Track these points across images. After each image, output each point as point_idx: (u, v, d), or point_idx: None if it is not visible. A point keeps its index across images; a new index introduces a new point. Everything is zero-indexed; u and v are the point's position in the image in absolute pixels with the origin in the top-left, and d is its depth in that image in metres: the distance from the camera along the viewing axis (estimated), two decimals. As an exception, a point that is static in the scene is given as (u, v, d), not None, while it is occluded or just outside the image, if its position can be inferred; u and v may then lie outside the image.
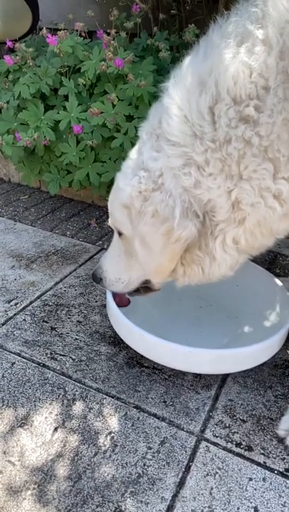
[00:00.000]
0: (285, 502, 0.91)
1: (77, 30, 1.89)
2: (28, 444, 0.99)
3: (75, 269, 1.64)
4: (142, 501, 0.90)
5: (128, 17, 2.03)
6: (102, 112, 1.67)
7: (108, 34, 1.80)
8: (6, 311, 1.40)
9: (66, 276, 1.59)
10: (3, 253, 1.72)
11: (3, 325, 1.34)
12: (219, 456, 0.99)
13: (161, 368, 1.20)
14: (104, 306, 1.44)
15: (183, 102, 0.85)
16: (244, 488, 0.93)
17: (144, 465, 0.97)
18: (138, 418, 1.07)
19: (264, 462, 0.99)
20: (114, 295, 1.21)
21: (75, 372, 1.18)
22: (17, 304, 1.44)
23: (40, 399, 1.10)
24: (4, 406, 1.08)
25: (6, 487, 0.91)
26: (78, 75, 1.82)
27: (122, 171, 1.01)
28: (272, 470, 0.97)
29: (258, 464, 0.98)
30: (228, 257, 0.93)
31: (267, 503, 0.90)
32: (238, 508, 0.89)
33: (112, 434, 1.02)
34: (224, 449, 1.01)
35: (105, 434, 1.02)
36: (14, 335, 1.30)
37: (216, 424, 1.06)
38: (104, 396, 1.12)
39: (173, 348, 1.08)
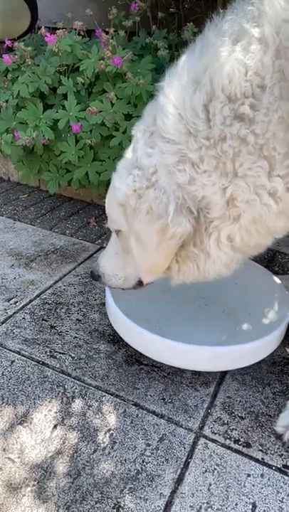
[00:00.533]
0: (282, 498, 0.91)
1: (75, 29, 1.89)
2: (28, 441, 1.00)
3: (74, 268, 1.64)
4: (140, 497, 0.90)
5: (127, 16, 2.03)
6: (100, 111, 1.67)
7: (107, 33, 1.80)
8: (5, 309, 1.41)
9: (65, 275, 1.60)
10: (3, 252, 1.72)
11: (2, 323, 1.35)
12: (217, 453, 1.00)
13: (160, 366, 1.21)
14: (104, 304, 1.45)
15: (178, 100, 0.85)
16: (242, 484, 0.94)
17: (143, 462, 0.97)
18: (137, 415, 1.07)
19: (262, 458, 0.99)
20: None
21: (75, 370, 1.19)
22: (16, 302, 1.45)
23: (39, 396, 1.11)
24: (4, 404, 1.08)
25: (5, 484, 0.91)
26: (77, 73, 1.82)
27: (117, 170, 1.01)
28: (270, 466, 0.98)
29: (256, 460, 0.99)
30: (222, 254, 0.93)
31: (265, 499, 0.91)
32: (236, 504, 0.90)
33: (111, 431, 1.03)
34: (222, 445, 1.02)
35: (104, 431, 1.03)
36: (14, 333, 1.31)
37: (215, 421, 1.07)
38: (104, 393, 1.12)
39: (171, 346, 1.09)
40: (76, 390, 1.13)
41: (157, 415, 1.08)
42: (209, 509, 0.89)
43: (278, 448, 1.02)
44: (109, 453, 0.99)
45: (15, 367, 1.19)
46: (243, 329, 1.32)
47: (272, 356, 1.24)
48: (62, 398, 1.10)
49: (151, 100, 0.98)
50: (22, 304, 1.44)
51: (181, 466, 0.97)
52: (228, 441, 1.03)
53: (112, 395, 1.12)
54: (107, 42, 1.72)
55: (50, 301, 1.46)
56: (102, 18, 2.15)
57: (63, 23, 2.08)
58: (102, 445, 1.00)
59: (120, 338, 1.24)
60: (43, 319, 1.38)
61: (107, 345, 1.28)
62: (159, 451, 0.99)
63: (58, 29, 1.85)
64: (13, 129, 1.85)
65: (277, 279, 1.35)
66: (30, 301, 1.46)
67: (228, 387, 1.16)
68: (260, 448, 1.02)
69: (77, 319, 1.38)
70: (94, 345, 1.28)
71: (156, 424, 1.05)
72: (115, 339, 1.30)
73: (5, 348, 1.25)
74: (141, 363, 1.22)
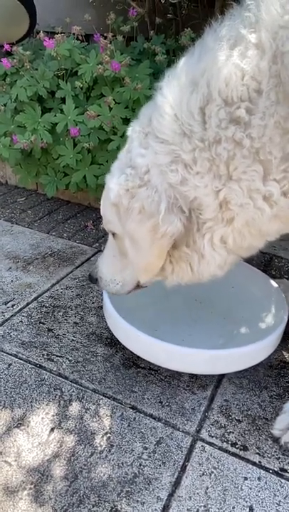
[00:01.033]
0: (279, 501, 0.91)
1: (74, 34, 1.90)
2: (25, 444, 1.00)
3: (71, 271, 1.65)
4: (137, 501, 0.90)
5: (125, 21, 2.05)
6: (98, 115, 1.68)
7: (105, 38, 1.82)
8: (2, 312, 1.41)
9: (63, 278, 1.60)
10: (0, 255, 1.72)
11: (0, 326, 1.35)
12: (215, 456, 1.00)
13: (158, 369, 1.21)
14: (101, 307, 1.45)
15: (175, 101, 0.86)
16: (239, 487, 0.94)
17: (140, 465, 0.97)
18: (134, 418, 1.07)
19: (259, 462, 0.99)
20: None
21: (72, 373, 1.19)
22: (14, 305, 1.44)
23: (36, 400, 1.10)
24: (1, 407, 1.08)
25: (2, 487, 0.91)
26: (75, 78, 1.84)
27: (110, 171, 1.02)
28: (267, 469, 0.98)
29: (253, 463, 0.99)
30: (216, 255, 0.94)
31: (262, 502, 0.91)
32: (233, 507, 0.90)
33: (109, 435, 1.03)
34: (220, 448, 1.02)
35: (102, 435, 1.03)
36: (11, 336, 1.31)
37: (212, 424, 1.07)
38: (101, 397, 1.12)
39: (169, 349, 1.09)
40: (73, 393, 1.13)
41: (154, 418, 1.08)
42: (206, 512, 0.89)
43: (275, 451, 1.02)
44: (106, 456, 0.98)
45: (12, 370, 1.19)
46: (240, 333, 1.33)
47: (269, 359, 1.24)
48: (59, 401, 1.10)
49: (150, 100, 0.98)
50: (19, 307, 1.43)
51: (179, 469, 0.97)
52: (225, 445, 1.03)
53: (109, 398, 1.12)
54: (105, 47, 1.73)
55: (47, 304, 1.46)
56: (100, 23, 2.16)
57: (62, 27, 2.09)
58: (99, 448, 1.00)
59: (117, 341, 1.24)
60: (40, 322, 1.37)
61: (105, 349, 1.28)
62: (156, 455, 0.99)
63: (57, 33, 1.86)
64: (11, 133, 1.85)
65: (274, 283, 1.36)
66: (28, 304, 1.45)
67: (225, 391, 1.17)
68: (257, 451, 1.02)
69: (74, 322, 1.38)
70: (91, 349, 1.28)
71: (154, 428, 1.05)
72: (112, 342, 1.30)
73: (2, 351, 1.25)
74: (138, 366, 1.22)
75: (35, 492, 0.91)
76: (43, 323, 1.37)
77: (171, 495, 0.92)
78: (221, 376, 1.20)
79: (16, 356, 1.23)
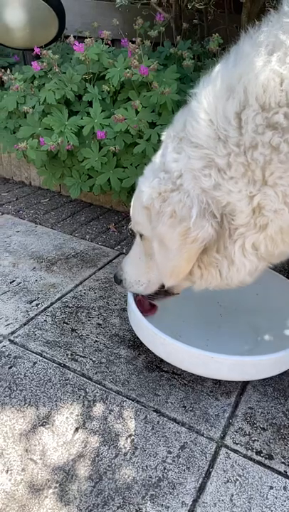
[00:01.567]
0: (306, 512, 0.90)
1: (102, 39, 1.92)
2: (50, 443, 1.01)
3: (94, 273, 1.66)
4: (162, 505, 0.90)
5: (151, 26, 2.06)
6: (125, 119, 1.70)
7: (133, 42, 1.83)
8: (27, 311, 1.42)
9: (86, 279, 1.61)
10: (25, 255, 1.74)
11: (24, 325, 1.36)
12: (239, 464, 0.99)
13: (181, 373, 1.21)
14: (124, 309, 1.45)
15: (210, 106, 0.86)
16: (265, 496, 0.93)
17: (165, 469, 0.97)
18: (158, 422, 1.07)
19: (285, 471, 0.98)
20: (138, 304, 1.21)
21: (95, 374, 1.19)
22: (38, 304, 1.46)
23: (61, 399, 1.11)
24: (26, 405, 1.09)
25: (28, 485, 0.92)
26: (102, 81, 1.85)
27: (144, 174, 1.03)
28: (293, 479, 0.96)
29: (279, 472, 0.98)
30: (247, 262, 0.93)
31: (288, 513, 0.90)
32: (258, 516, 0.89)
33: (132, 437, 1.03)
34: (244, 456, 1.01)
35: (125, 437, 1.03)
36: (35, 335, 1.32)
37: (236, 432, 1.06)
38: (124, 399, 1.12)
39: (194, 353, 1.08)
40: (97, 394, 1.13)
41: (178, 423, 1.07)
42: (232, 520, 0.88)
43: (301, 461, 1.00)
44: (130, 458, 0.98)
45: (37, 368, 1.20)
46: (265, 340, 1.31)
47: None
48: (83, 401, 1.11)
49: (178, 109, 0.99)
50: (43, 307, 1.45)
51: (203, 475, 0.96)
52: (249, 452, 1.01)
53: (132, 401, 1.12)
54: (133, 51, 1.75)
55: (71, 305, 1.47)
56: (126, 28, 2.18)
57: (89, 32, 2.12)
58: (123, 450, 1.00)
59: (141, 343, 1.24)
60: (64, 322, 1.39)
61: (128, 351, 1.28)
62: (180, 459, 0.99)
63: (84, 38, 1.89)
64: (38, 135, 1.88)
65: (299, 290, 1.34)
66: (52, 303, 1.47)
67: (249, 398, 1.15)
68: (283, 460, 1.00)
69: (97, 323, 1.39)
70: (114, 350, 1.28)
71: (178, 432, 1.05)
72: (135, 345, 1.30)
73: (27, 349, 1.26)
74: (161, 370, 1.22)
75: (60, 491, 0.91)
76: (67, 323, 1.38)
77: (195, 500, 0.91)
78: (245, 383, 1.19)
79: (40, 355, 1.24)
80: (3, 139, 2.03)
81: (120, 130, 1.71)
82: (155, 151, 1.08)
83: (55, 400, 1.11)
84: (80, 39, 1.91)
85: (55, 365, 1.21)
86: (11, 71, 2.05)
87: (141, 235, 1.09)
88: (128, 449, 1.00)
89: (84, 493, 0.91)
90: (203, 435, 1.05)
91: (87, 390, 1.14)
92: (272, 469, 0.98)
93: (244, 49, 0.85)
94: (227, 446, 1.03)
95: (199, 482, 0.95)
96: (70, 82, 1.84)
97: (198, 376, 1.19)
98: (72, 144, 1.79)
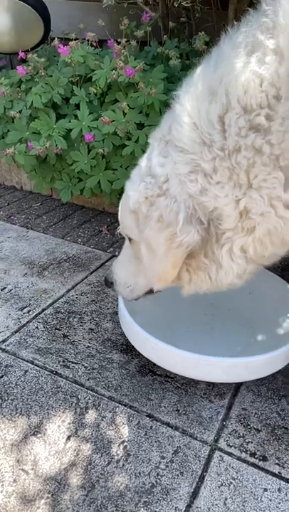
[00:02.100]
0: (301, 514, 0.89)
1: (88, 40, 1.91)
2: (42, 452, 1.00)
3: (86, 276, 1.65)
4: (155, 511, 0.89)
5: (138, 25, 2.05)
6: (113, 121, 1.69)
7: (118, 43, 1.82)
8: (18, 318, 1.42)
9: (78, 284, 1.60)
10: (16, 261, 1.73)
11: (16, 332, 1.35)
12: (233, 466, 0.98)
13: (174, 376, 1.20)
14: (116, 313, 1.45)
15: (193, 109, 0.85)
16: (259, 498, 0.92)
17: (158, 475, 0.96)
18: (151, 427, 1.06)
19: (279, 473, 0.97)
20: None
21: (88, 380, 1.19)
22: (30, 311, 1.45)
23: (53, 407, 1.10)
24: (18, 414, 1.08)
25: (20, 496, 0.91)
26: (89, 83, 1.84)
27: (130, 177, 1.02)
28: (287, 480, 0.96)
29: (273, 474, 0.97)
30: (235, 266, 0.93)
31: (282, 515, 0.89)
32: (253, 520, 0.88)
33: (125, 443, 1.02)
34: (238, 458, 1.00)
35: (118, 443, 1.02)
36: (27, 342, 1.31)
37: (230, 434, 1.06)
38: (117, 404, 1.12)
39: (186, 357, 1.08)
40: (89, 401, 1.12)
41: (171, 427, 1.07)
42: (225, 525, 0.87)
43: (295, 462, 1.00)
44: (123, 465, 0.98)
45: (28, 377, 1.19)
46: (257, 339, 1.31)
47: (288, 367, 1.22)
48: (75, 409, 1.10)
49: (166, 109, 0.98)
50: (35, 313, 1.44)
51: (197, 479, 0.95)
52: (243, 455, 1.01)
53: (125, 406, 1.11)
54: (119, 52, 1.73)
55: (62, 310, 1.46)
56: (113, 28, 2.17)
57: (75, 33, 2.11)
58: (116, 457, 0.99)
59: (133, 347, 1.23)
60: (56, 328, 1.38)
61: (120, 355, 1.28)
62: (173, 464, 0.98)
63: (70, 40, 1.87)
64: (26, 139, 1.87)
65: (291, 288, 1.34)
66: (43, 310, 1.46)
67: (243, 399, 1.15)
68: (277, 462, 1.00)
69: (90, 328, 1.38)
70: (107, 355, 1.28)
71: (171, 437, 1.04)
72: (128, 349, 1.29)
73: (19, 357, 1.26)
74: (154, 373, 1.22)
75: (52, 501, 0.90)
76: (59, 329, 1.37)
77: (189, 506, 0.90)
78: (239, 384, 1.19)
79: (32, 363, 1.24)
80: (-8, 144, 2.02)
81: (108, 132, 1.70)
82: (144, 152, 1.07)
83: (47, 409, 1.10)
84: (67, 41, 1.90)
85: (46, 372, 1.21)
86: (-3, 75, 2.04)
87: (130, 239, 1.09)
88: (121, 455, 1.00)
89: (76, 503, 0.90)
90: (196, 439, 1.04)
91: (79, 396, 1.14)
92: (267, 471, 0.98)
93: (224, 50, 0.84)
94: (221, 449, 1.02)
95: (193, 487, 0.94)
96: (56, 86, 1.83)
97: (191, 378, 1.18)
98: (60, 147, 1.78)
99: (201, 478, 0.96)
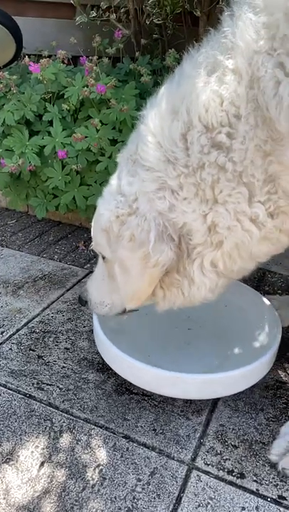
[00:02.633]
0: (279, 532, 0.88)
1: (59, 58, 1.92)
2: (14, 480, 0.96)
3: (62, 294, 1.62)
4: (131, 538, 0.87)
5: (111, 42, 2.07)
6: (86, 137, 1.69)
7: (90, 60, 1.83)
8: (-8, 340, 1.38)
9: (53, 302, 1.58)
10: (-10, 280, 1.70)
11: (-11, 355, 1.32)
12: (211, 486, 0.97)
13: (151, 395, 1.18)
14: (92, 331, 1.42)
15: (156, 128, 0.86)
16: (237, 518, 0.91)
17: (134, 498, 0.94)
18: (127, 448, 1.04)
19: (257, 490, 0.96)
20: None
21: (63, 402, 1.16)
22: (3, 332, 1.42)
23: (26, 432, 1.07)
24: (-11, 441, 1.05)
25: (-10, 529, 0.88)
26: (62, 100, 1.84)
27: (102, 196, 1.02)
28: (265, 497, 0.95)
29: (251, 491, 0.96)
30: (206, 280, 0.93)
31: (260, 534, 0.88)
32: None
33: (101, 467, 1.00)
34: (216, 477, 0.99)
35: (93, 467, 1.00)
36: (0, 365, 1.28)
37: (208, 452, 1.04)
38: (93, 426, 1.09)
39: (160, 375, 1.07)
40: (64, 424, 1.10)
41: (148, 447, 1.05)
42: None
43: (273, 477, 0.99)
44: (98, 490, 0.95)
45: (0, 401, 1.16)
46: (234, 353, 1.30)
47: (265, 380, 1.22)
48: (49, 433, 1.07)
49: (136, 127, 0.99)
50: (9, 334, 1.41)
51: (174, 501, 0.93)
52: (221, 473, 1.00)
53: (101, 428, 1.09)
54: (90, 69, 1.74)
55: (37, 330, 1.43)
56: (87, 45, 2.18)
57: (48, 50, 2.11)
58: (91, 482, 0.97)
59: (109, 366, 1.21)
60: (30, 349, 1.35)
61: (96, 375, 1.25)
62: (150, 487, 0.96)
63: (44, 57, 1.88)
64: (-1, 156, 1.85)
65: (266, 300, 1.34)
66: (18, 330, 1.43)
67: (220, 415, 1.14)
68: (255, 478, 0.99)
69: (65, 348, 1.36)
70: (83, 375, 1.25)
71: (148, 458, 1.02)
72: (104, 367, 1.27)
73: (-9, 381, 1.22)
74: (131, 392, 1.20)
75: (24, 532, 0.87)
76: (33, 350, 1.34)
77: (166, 530, 0.88)
78: (216, 399, 1.18)
79: (4, 386, 1.20)
80: None
81: (82, 148, 1.70)
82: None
83: (20, 434, 1.07)
84: (41, 58, 1.90)
85: (20, 396, 1.17)
86: None
87: (103, 257, 1.08)
88: (96, 480, 0.97)
89: (49, 533, 0.87)
90: (173, 458, 1.02)
91: (53, 420, 1.11)
92: (244, 489, 0.96)
93: (186, 70, 0.86)
94: (198, 468, 1.00)
95: (170, 509, 0.92)
96: (29, 103, 1.82)
97: (168, 396, 1.16)
98: (33, 164, 1.77)
99: (178, 500, 0.94)
